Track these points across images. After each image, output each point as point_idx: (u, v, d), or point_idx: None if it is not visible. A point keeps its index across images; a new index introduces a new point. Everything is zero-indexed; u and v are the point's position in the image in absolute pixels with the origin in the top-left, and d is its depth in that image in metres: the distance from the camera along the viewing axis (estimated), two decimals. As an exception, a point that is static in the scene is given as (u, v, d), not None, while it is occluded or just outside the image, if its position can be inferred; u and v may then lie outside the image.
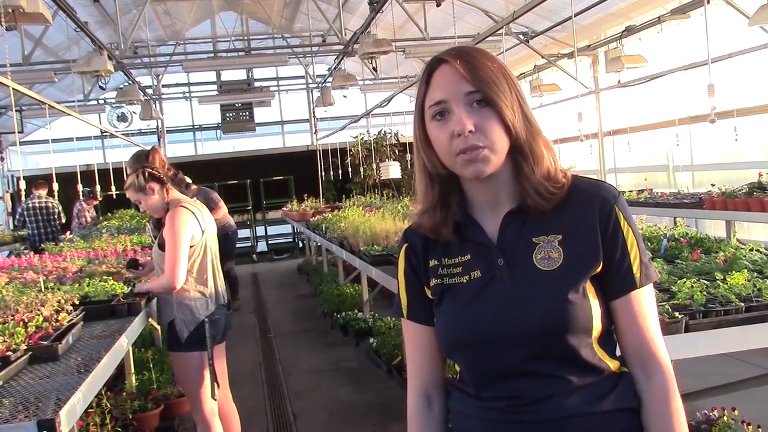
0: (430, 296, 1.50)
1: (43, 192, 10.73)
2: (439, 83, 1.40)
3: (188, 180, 4.11)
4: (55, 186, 7.46)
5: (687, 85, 9.31)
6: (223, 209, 8.83)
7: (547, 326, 1.31)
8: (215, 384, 3.72)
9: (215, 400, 3.76)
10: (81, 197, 11.24)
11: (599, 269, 1.38)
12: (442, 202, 1.47)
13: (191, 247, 3.71)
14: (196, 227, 3.72)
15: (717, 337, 2.48)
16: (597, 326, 1.37)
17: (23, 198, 10.06)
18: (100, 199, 11.65)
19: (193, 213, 3.74)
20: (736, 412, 3.38)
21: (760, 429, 3.35)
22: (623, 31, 10.23)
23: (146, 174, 3.77)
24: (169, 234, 3.62)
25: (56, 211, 10.84)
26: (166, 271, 3.60)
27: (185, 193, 3.98)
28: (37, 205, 10.70)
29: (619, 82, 10.57)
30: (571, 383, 1.36)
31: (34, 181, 10.88)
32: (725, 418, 3.31)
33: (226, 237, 8.83)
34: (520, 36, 10.93)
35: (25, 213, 10.69)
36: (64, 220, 10.99)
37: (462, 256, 1.46)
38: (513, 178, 1.43)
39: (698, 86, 7.86)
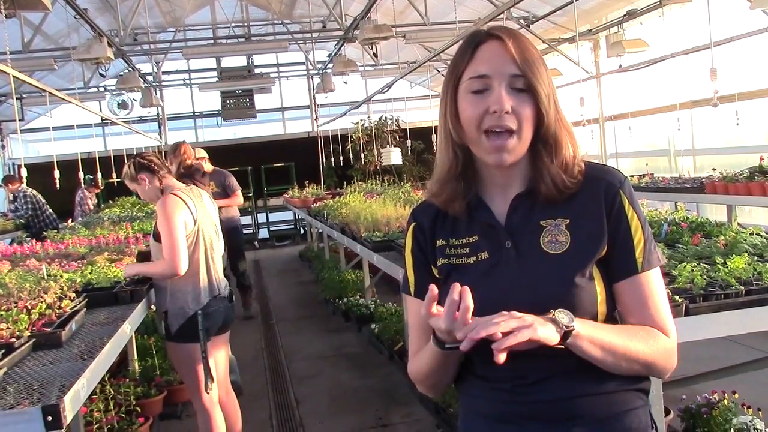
0: (437, 275, 1.51)
1: (20, 185, 10.66)
2: (485, 57, 1.39)
3: (205, 168, 4.14)
4: (57, 174, 7.46)
5: (688, 70, 9.28)
6: (239, 198, 8.16)
7: (553, 308, 1.31)
8: (209, 378, 3.67)
9: (208, 393, 3.70)
10: (83, 185, 11.23)
11: (604, 252, 1.40)
12: (462, 174, 1.48)
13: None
14: (187, 215, 3.66)
15: (717, 321, 2.49)
16: (602, 310, 1.39)
17: (24, 186, 10.05)
18: (102, 187, 11.65)
19: (184, 201, 3.68)
20: (737, 396, 3.40)
21: (760, 412, 3.37)
22: (624, 15, 10.18)
23: (137, 164, 3.78)
24: (162, 222, 3.59)
25: (38, 198, 10.79)
26: (166, 258, 3.56)
27: (201, 181, 4.01)
28: (31, 195, 10.66)
29: (620, 66, 10.54)
30: (576, 363, 1.37)
31: (11, 178, 10.88)
32: (725, 401, 3.32)
33: (234, 230, 8.18)
34: (521, 21, 10.88)
35: (30, 203, 10.65)
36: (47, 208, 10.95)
37: (470, 237, 1.48)
38: (529, 164, 1.44)
39: (700, 70, 7.85)
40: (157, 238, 3.66)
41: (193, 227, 3.69)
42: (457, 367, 1.48)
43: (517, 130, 1.37)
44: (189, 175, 4.14)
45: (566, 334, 1.27)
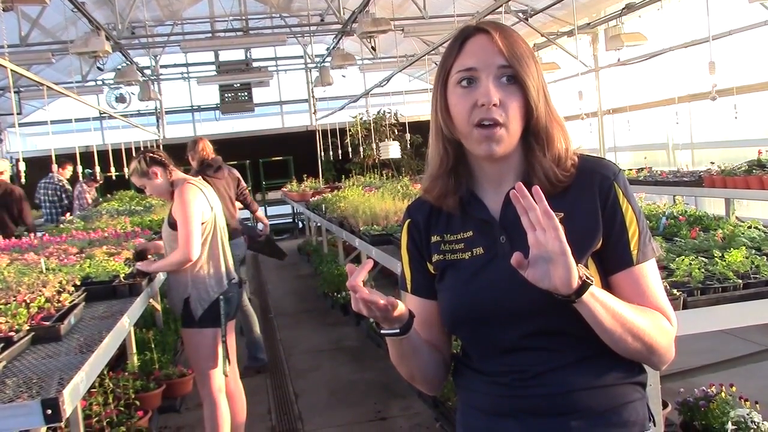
0: (432, 271, 1.52)
1: (67, 171, 10.62)
2: (472, 51, 1.39)
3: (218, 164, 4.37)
4: (54, 168, 7.45)
5: (687, 63, 9.28)
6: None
7: (549, 303, 1.31)
8: (227, 360, 3.79)
9: (226, 376, 3.83)
10: (81, 179, 11.19)
11: (599, 246, 1.39)
12: (454, 169, 1.48)
13: (202, 224, 3.75)
14: (204, 203, 3.78)
15: (715, 314, 2.50)
16: None
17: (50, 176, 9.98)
18: (101, 181, 11.62)
19: (200, 189, 3.80)
20: (734, 389, 3.41)
21: (758, 405, 3.37)
22: (623, 8, 10.17)
23: (147, 159, 3.83)
24: (179, 209, 3.68)
25: (65, 188, 10.72)
26: (180, 245, 3.65)
27: (215, 176, 4.12)
28: (50, 183, 10.58)
29: (618, 60, 10.54)
30: (574, 357, 1.37)
31: (58, 159, 10.73)
32: (723, 394, 3.33)
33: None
34: (520, 14, 10.86)
35: (41, 192, 10.56)
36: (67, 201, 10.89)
37: (464, 232, 1.47)
38: (522, 158, 1.44)
39: (698, 64, 7.84)
40: (173, 226, 3.74)
41: (210, 214, 3.82)
42: (421, 359, 1.48)
43: (505, 123, 1.36)
44: (202, 170, 4.26)
45: (584, 285, 1.25)
